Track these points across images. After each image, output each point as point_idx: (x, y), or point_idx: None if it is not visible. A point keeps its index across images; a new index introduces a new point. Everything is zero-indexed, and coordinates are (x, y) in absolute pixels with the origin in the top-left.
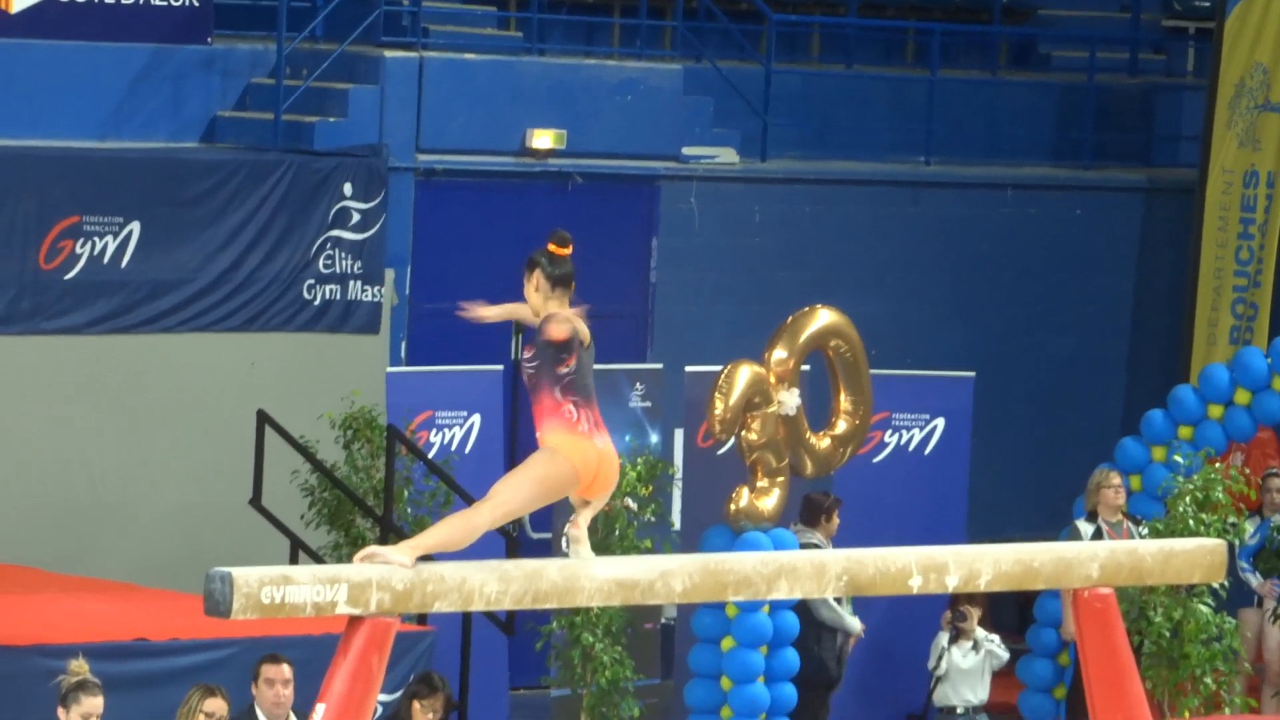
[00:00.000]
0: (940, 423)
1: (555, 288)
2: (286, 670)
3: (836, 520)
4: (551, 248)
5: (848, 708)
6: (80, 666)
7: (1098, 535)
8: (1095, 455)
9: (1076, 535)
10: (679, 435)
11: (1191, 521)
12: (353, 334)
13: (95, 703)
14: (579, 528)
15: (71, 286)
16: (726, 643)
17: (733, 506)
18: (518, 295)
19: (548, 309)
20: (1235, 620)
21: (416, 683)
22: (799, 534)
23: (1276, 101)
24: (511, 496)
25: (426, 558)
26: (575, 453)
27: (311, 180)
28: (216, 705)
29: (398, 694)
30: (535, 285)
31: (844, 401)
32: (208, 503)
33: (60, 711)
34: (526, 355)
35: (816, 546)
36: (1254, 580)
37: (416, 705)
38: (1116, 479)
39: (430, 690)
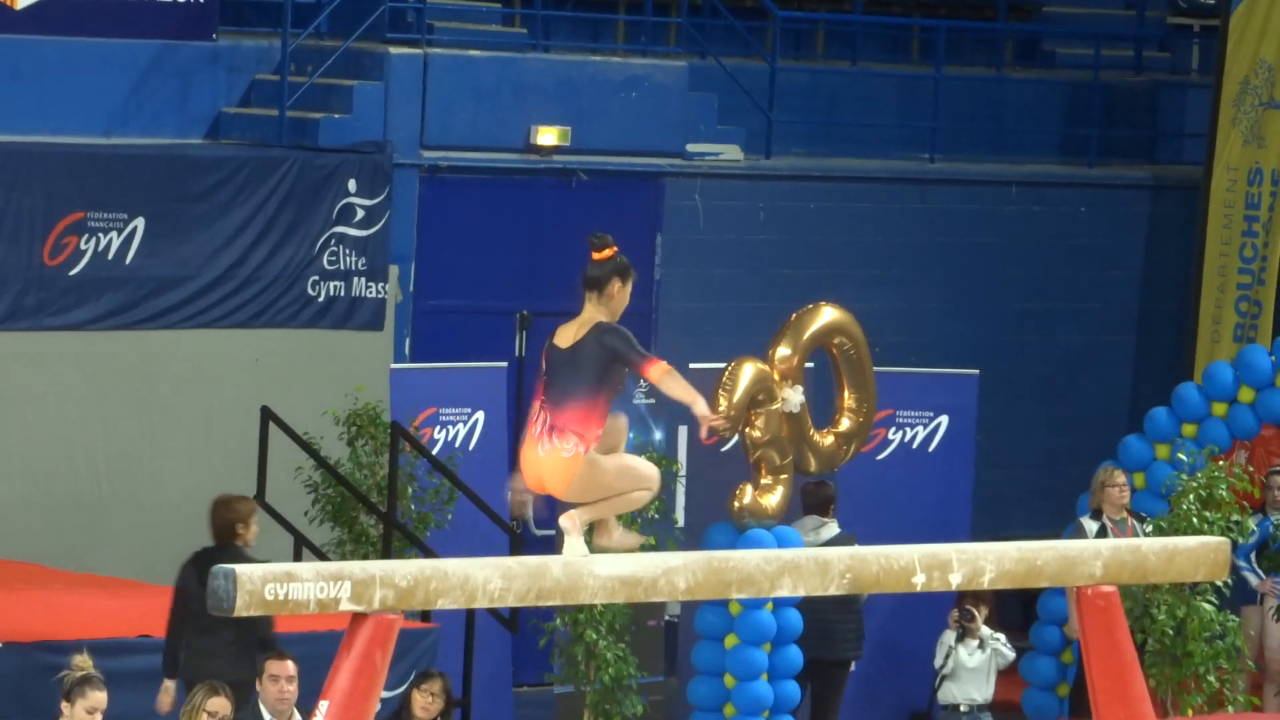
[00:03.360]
0: (944, 420)
1: (585, 290)
2: (291, 667)
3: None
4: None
5: (853, 704)
6: (84, 661)
7: (1102, 533)
8: (1100, 453)
9: (1081, 533)
10: (683, 432)
11: (1195, 519)
12: (357, 330)
13: (99, 697)
14: (572, 520)
15: (76, 283)
16: (730, 640)
17: (736, 504)
18: (521, 292)
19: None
20: (1238, 618)
21: (415, 678)
22: (823, 527)
23: None
24: None
25: None
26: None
27: (316, 176)
28: (220, 704)
29: (400, 690)
30: None
31: (848, 399)
32: (212, 499)
33: (64, 706)
34: None
35: (847, 534)
36: (1253, 579)
37: (415, 693)
38: (1120, 477)
39: (426, 677)
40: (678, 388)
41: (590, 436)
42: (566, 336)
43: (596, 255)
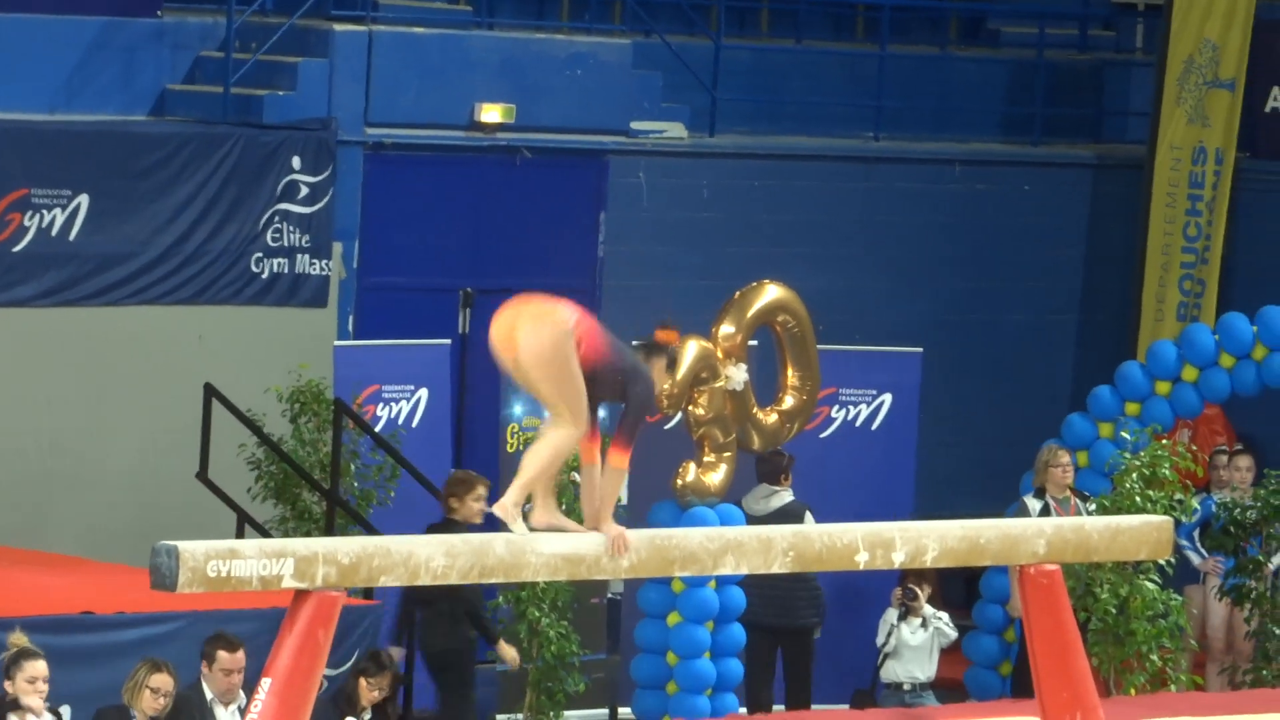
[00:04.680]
0: (888, 398)
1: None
2: (241, 657)
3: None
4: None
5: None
6: (19, 639)
7: (1045, 511)
8: (1043, 431)
9: (1024, 511)
10: None
11: (1138, 498)
12: (300, 307)
13: (38, 665)
14: (504, 510)
15: (20, 259)
16: (672, 618)
17: (679, 481)
18: (465, 269)
19: None
20: (1181, 597)
21: (364, 660)
22: (774, 496)
23: (1225, 78)
24: None
25: None
26: None
27: (260, 153)
28: (163, 681)
29: (344, 668)
30: None
31: (791, 377)
32: (155, 475)
33: (6, 683)
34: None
35: (801, 502)
36: (1195, 558)
37: (364, 682)
38: (1064, 456)
39: (378, 668)
40: (613, 488)
41: (584, 326)
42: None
43: (660, 333)
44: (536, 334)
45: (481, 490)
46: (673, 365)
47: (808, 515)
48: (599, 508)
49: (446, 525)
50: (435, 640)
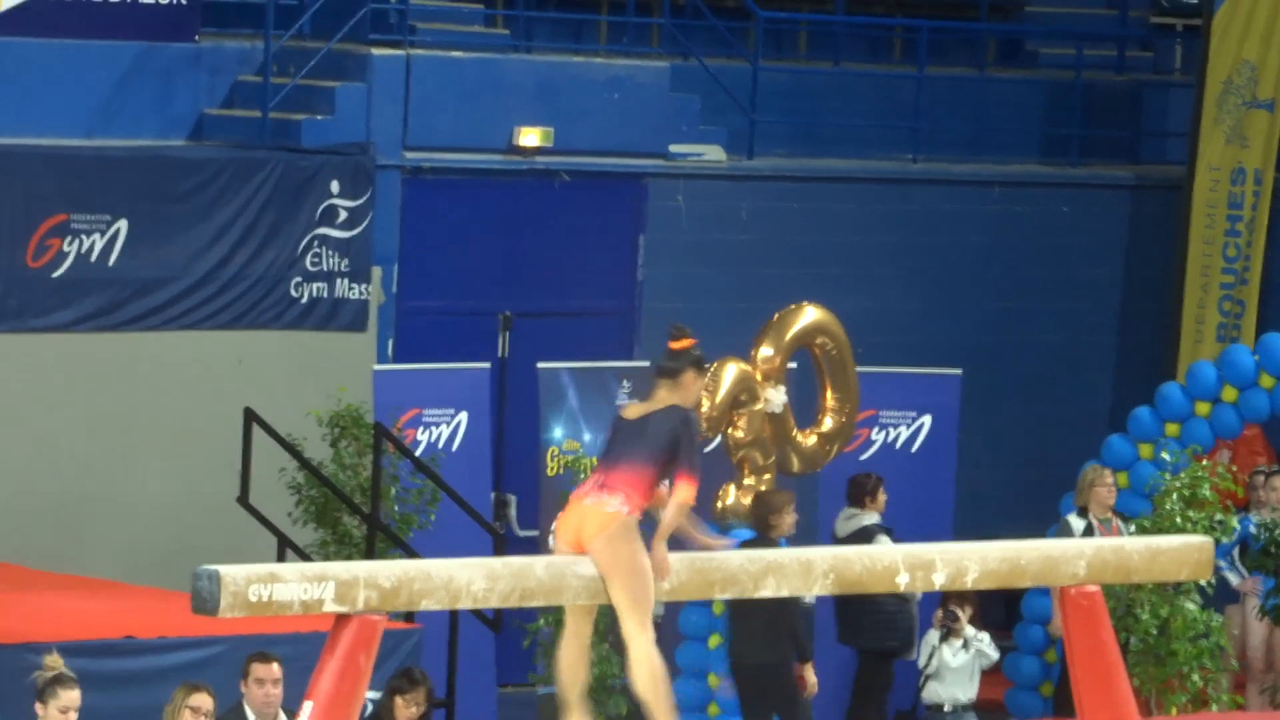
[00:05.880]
0: (927, 420)
1: (657, 377)
2: (276, 669)
3: (883, 496)
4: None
5: (837, 703)
6: (55, 661)
7: (1088, 532)
8: (1083, 452)
9: (1067, 531)
10: None
11: (1179, 519)
12: (340, 331)
13: (72, 695)
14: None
15: (59, 284)
16: (714, 640)
17: (719, 504)
18: (504, 292)
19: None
20: (1222, 617)
21: (397, 678)
22: (853, 518)
23: (1264, 98)
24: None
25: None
26: None
27: (298, 178)
28: (202, 700)
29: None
30: None
31: (830, 399)
32: (195, 500)
33: (38, 707)
34: None
35: (879, 525)
36: (1233, 578)
37: (399, 700)
38: (1109, 476)
39: (411, 684)
40: (672, 518)
41: (636, 502)
42: (636, 411)
43: (674, 345)
44: (598, 531)
45: (793, 504)
46: (701, 367)
47: (881, 538)
48: (656, 533)
49: (763, 542)
50: (751, 653)
